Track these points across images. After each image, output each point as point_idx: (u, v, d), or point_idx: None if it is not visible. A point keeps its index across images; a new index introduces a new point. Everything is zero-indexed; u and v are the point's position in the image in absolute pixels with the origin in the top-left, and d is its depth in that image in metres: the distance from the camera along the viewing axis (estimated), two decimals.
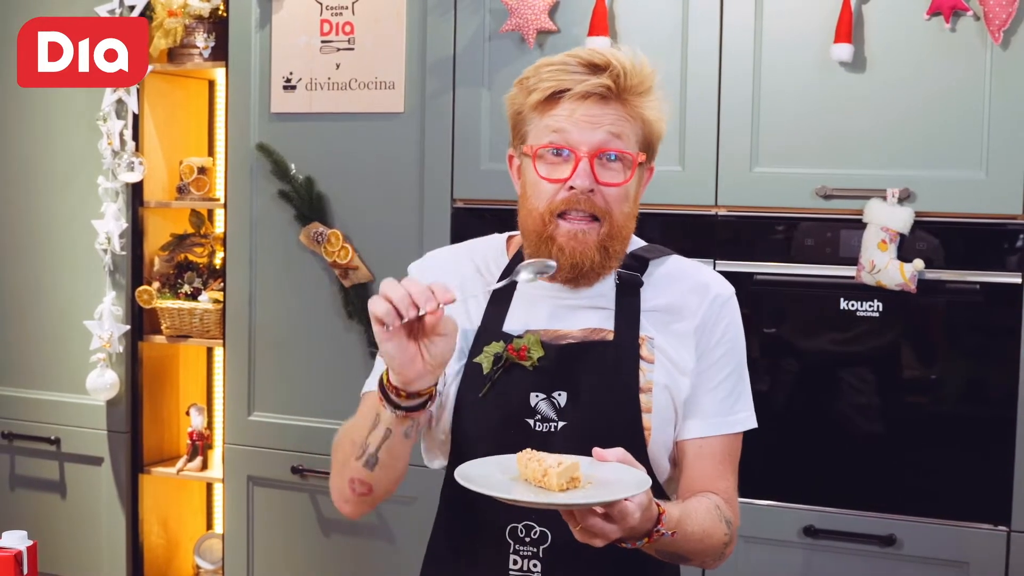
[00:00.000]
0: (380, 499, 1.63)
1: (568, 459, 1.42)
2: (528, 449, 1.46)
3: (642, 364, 1.61)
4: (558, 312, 1.64)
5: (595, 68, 1.55)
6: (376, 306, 1.39)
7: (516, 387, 1.60)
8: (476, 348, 1.64)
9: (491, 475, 1.45)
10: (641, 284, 1.66)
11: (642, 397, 1.59)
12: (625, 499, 1.36)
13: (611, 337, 1.62)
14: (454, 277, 1.67)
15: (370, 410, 1.53)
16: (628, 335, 1.62)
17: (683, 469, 1.65)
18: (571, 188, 1.56)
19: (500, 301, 1.66)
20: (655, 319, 1.64)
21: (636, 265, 1.67)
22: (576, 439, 1.56)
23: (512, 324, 1.64)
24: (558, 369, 1.60)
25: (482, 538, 1.63)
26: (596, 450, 1.44)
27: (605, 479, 1.42)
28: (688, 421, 1.63)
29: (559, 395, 1.59)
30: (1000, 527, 2.54)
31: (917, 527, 2.59)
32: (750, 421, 1.69)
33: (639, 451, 1.57)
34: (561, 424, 1.59)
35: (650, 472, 1.59)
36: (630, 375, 1.60)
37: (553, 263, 1.54)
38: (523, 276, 1.53)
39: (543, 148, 1.57)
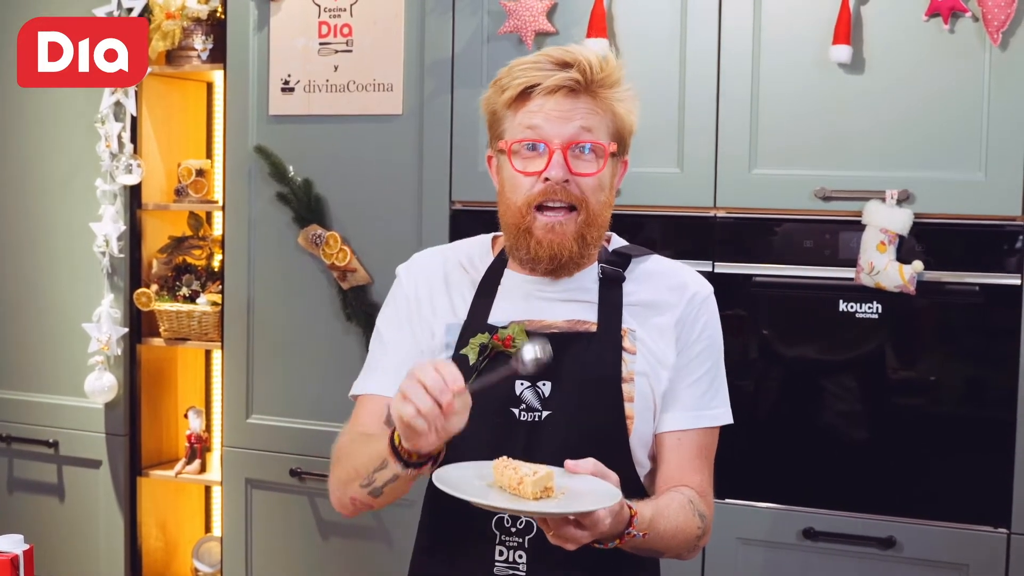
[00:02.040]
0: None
1: (543, 469, 1.46)
2: (504, 457, 1.50)
3: (624, 355, 1.66)
4: (542, 305, 1.69)
5: (564, 64, 1.62)
6: (404, 409, 1.40)
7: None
8: (462, 341, 1.68)
9: (468, 480, 1.49)
10: (623, 279, 1.71)
11: (624, 387, 1.65)
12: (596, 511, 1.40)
13: (594, 328, 1.67)
14: (439, 273, 1.75)
15: (378, 453, 1.54)
16: (611, 326, 1.67)
17: (660, 462, 1.69)
18: (546, 180, 1.61)
19: (485, 295, 1.71)
20: (636, 313, 1.69)
21: (619, 261, 1.72)
22: (561, 428, 1.61)
23: (497, 316, 1.69)
24: None
25: (468, 530, 1.67)
26: (568, 462, 1.48)
27: (577, 489, 1.46)
28: (666, 414, 1.68)
29: (543, 385, 1.64)
30: (1000, 529, 2.53)
31: (917, 529, 2.58)
32: (726, 416, 1.73)
33: (621, 442, 1.63)
34: (546, 414, 1.63)
35: (630, 466, 1.65)
36: (613, 365, 1.65)
37: (550, 349, 1.53)
38: (526, 354, 1.52)
39: (517, 143, 1.64)
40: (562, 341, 1.64)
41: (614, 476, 1.47)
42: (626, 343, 1.66)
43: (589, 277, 1.70)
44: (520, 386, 1.63)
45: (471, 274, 1.74)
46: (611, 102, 1.63)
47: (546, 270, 1.66)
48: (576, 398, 1.63)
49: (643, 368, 1.66)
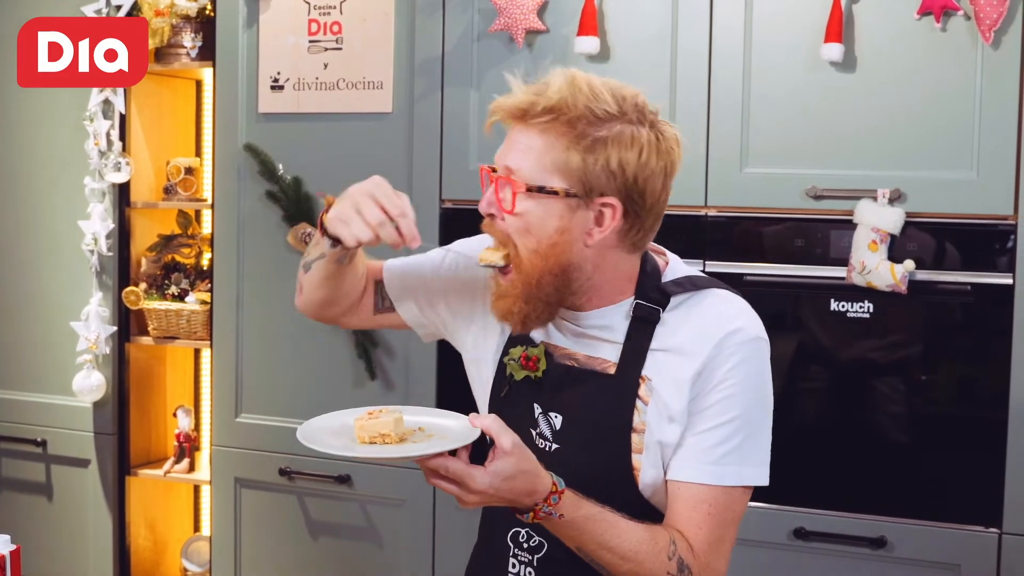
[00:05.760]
0: (322, 311, 1.75)
1: (389, 416, 1.42)
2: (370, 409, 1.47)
3: (638, 404, 1.54)
4: (564, 334, 1.61)
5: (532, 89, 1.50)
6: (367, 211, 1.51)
7: (525, 396, 1.61)
8: (507, 349, 1.66)
9: (327, 427, 1.48)
10: (657, 320, 1.56)
11: (634, 437, 1.54)
12: (441, 454, 1.35)
13: (612, 371, 1.56)
14: None
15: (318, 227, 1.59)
16: (629, 372, 1.54)
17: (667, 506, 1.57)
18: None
19: None
20: (660, 359, 1.54)
21: (659, 299, 1.56)
22: (568, 465, 1.52)
23: (539, 332, 1.63)
24: (557, 389, 1.58)
25: (489, 540, 1.68)
26: (472, 415, 1.44)
27: (443, 436, 1.41)
28: (672, 461, 1.55)
29: (556, 417, 1.58)
30: (991, 529, 2.53)
31: (908, 529, 2.58)
32: (746, 477, 1.54)
33: (630, 489, 1.54)
34: (555, 447, 1.58)
35: (644, 512, 1.54)
36: (624, 413, 1.54)
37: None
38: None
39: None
40: (578, 376, 1.57)
41: (512, 436, 1.37)
42: (642, 391, 1.53)
43: (621, 312, 1.56)
44: (536, 409, 1.58)
45: None
46: (573, 136, 1.47)
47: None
48: (583, 440, 1.55)
49: (654, 421, 1.53)
